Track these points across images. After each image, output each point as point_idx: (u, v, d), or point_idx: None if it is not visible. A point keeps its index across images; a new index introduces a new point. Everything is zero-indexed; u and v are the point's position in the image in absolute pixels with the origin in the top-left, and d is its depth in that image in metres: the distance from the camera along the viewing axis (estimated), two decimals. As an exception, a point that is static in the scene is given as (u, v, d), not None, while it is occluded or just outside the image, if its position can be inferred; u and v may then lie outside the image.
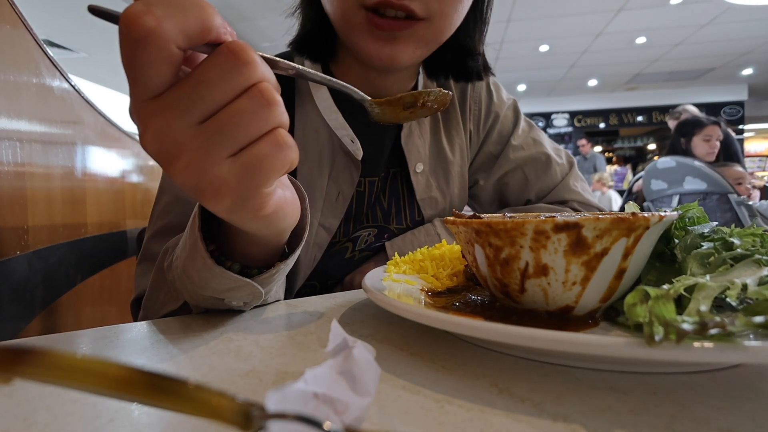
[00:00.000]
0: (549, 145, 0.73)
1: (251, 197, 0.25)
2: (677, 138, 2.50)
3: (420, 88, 0.65)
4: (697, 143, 2.43)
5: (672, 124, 3.43)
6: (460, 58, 0.61)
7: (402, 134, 0.64)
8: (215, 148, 0.23)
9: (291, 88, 0.60)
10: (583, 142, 6.48)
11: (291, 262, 0.35)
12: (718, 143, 2.42)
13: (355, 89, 0.33)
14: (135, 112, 0.23)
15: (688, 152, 2.44)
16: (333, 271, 0.64)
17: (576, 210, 0.69)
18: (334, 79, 0.31)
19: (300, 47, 0.59)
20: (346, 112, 0.59)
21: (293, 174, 0.58)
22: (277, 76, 0.26)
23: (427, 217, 0.68)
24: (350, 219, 0.63)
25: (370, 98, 0.34)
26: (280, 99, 0.24)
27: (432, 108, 0.36)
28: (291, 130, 0.57)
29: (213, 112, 0.23)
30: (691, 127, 2.48)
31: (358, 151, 0.59)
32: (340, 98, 0.60)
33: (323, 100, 0.59)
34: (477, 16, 0.58)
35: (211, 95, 0.23)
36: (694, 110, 3.18)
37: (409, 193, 0.67)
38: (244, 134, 0.23)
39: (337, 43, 0.59)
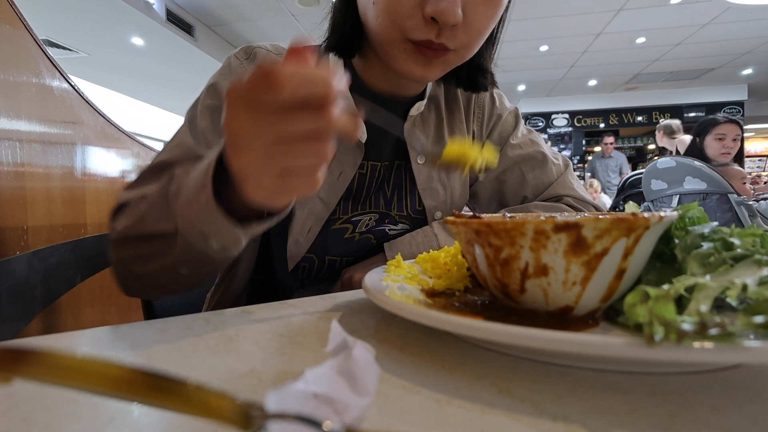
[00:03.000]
0: (546, 148, 0.77)
1: (274, 198, 0.34)
2: (694, 138, 2.46)
3: (429, 89, 0.70)
4: (710, 142, 2.36)
5: (658, 136, 3.44)
6: (472, 74, 0.67)
7: (405, 127, 0.67)
8: (274, 163, 0.31)
9: None
10: (610, 139, 5.69)
11: (268, 224, 0.41)
12: (734, 143, 2.34)
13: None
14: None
15: (702, 152, 2.39)
16: (332, 248, 0.67)
17: (571, 205, 0.72)
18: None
19: (330, 46, 0.63)
20: (356, 98, 0.63)
21: None
22: None
23: (427, 208, 0.71)
24: (350, 198, 0.67)
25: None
26: (332, 149, 0.31)
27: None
28: None
29: (289, 138, 0.30)
30: (704, 125, 2.41)
31: (363, 135, 0.63)
32: (354, 88, 0.64)
33: None
34: (489, 38, 0.63)
35: (293, 127, 0.29)
36: (675, 124, 3.20)
37: (411, 184, 0.70)
38: (298, 164, 0.31)
39: (364, 43, 0.62)
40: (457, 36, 0.52)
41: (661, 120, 3.52)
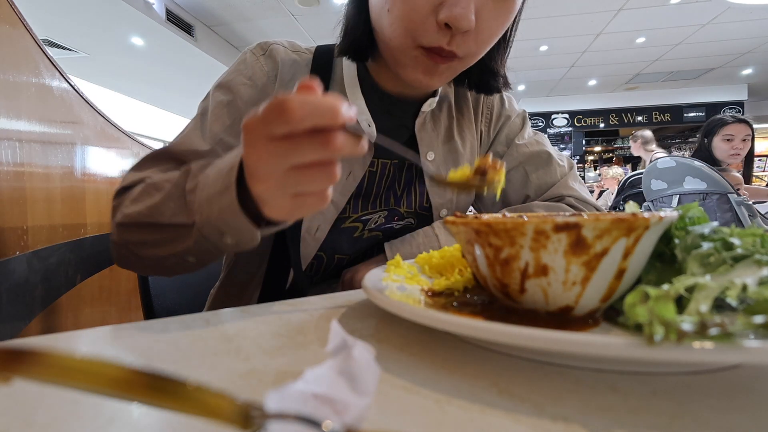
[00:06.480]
0: (552, 149, 0.77)
1: (290, 215, 0.37)
2: (702, 139, 2.36)
3: (440, 89, 0.71)
4: (717, 143, 2.29)
5: (634, 147, 3.43)
6: (484, 76, 0.67)
7: (416, 123, 0.68)
8: (288, 188, 0.34)
9: (327, 73, 0.66)
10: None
11: (284, 226, 0.43)
12: (744, 143, 2.26)
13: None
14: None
15: (710, 153, 2.33)
16: (341, 246, 0.68)
17: (572, 205, 0.72)
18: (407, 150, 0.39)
19: (343, 50, 0.63)
20: (368, 98, 0.65)
21: None
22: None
23: (434, 205, 0.72)
24: (360, 196, 0.67)
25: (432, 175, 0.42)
26: (339, 171, 0.33)
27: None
28: None
29: (301, 166, 0.32)
30: (712, 126, 2.33)
31: (373, 134, 0.63)
32: (366, 88, 0.65)
33: (352, 87, 0.65)
34: (501, 42, 0.63)
35: (303, 158, 0.32)
36: (649, 135, 3.19)
37: (420, 181, 0.71)
38: (309, 188, 0.34)
39: (375, 46, 0.62)
40: (466, 43, 0.53)
41: (638, 132, 3.47)
